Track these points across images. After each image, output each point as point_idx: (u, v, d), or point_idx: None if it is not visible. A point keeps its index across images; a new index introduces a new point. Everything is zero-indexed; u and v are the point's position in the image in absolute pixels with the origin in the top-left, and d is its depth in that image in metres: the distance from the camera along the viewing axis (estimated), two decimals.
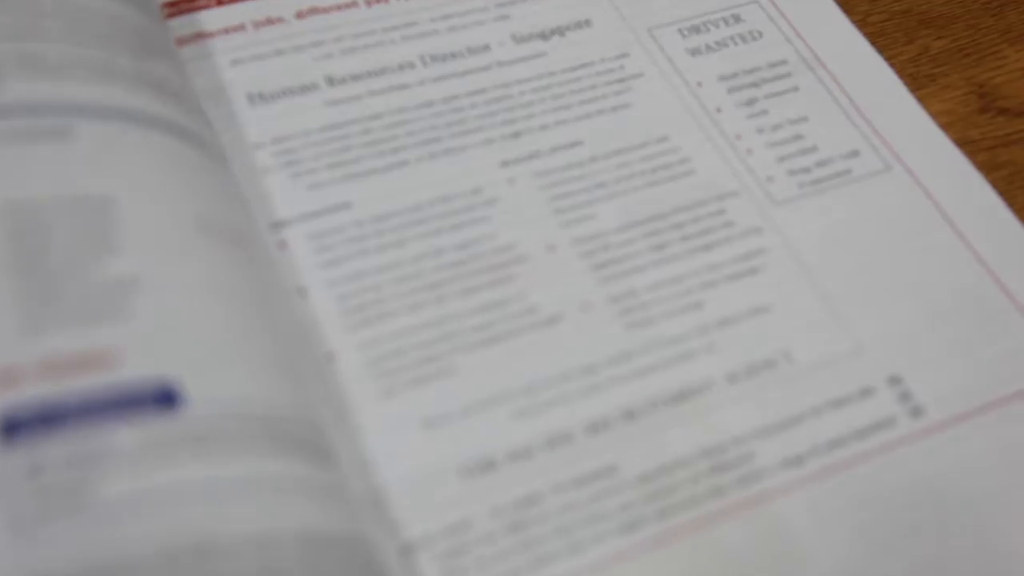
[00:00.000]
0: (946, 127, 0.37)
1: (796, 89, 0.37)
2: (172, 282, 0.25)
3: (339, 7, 0.38)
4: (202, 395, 0.24)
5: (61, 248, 0.24)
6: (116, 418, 0.23)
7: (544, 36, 0.38)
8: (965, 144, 0.37)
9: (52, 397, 0.22)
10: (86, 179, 0.25)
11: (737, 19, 0.39)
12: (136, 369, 0.23)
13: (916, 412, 0.31)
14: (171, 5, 0.37)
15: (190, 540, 0.22)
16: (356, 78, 0.36)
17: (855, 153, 0.36)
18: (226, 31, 0.36)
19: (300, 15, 0.37)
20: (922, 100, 0.38)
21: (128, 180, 0.26)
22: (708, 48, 0.38)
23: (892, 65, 0.39)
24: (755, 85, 0.37)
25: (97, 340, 0.23)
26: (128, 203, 0.26)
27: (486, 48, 0.37)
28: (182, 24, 0.36)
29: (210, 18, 0.37)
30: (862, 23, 0.40)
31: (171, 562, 0.22)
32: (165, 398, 0.23)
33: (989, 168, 0.37)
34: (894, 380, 0.31)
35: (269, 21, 0.37)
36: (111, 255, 0.25)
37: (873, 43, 0.39)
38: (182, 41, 0.36)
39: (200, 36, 0.36)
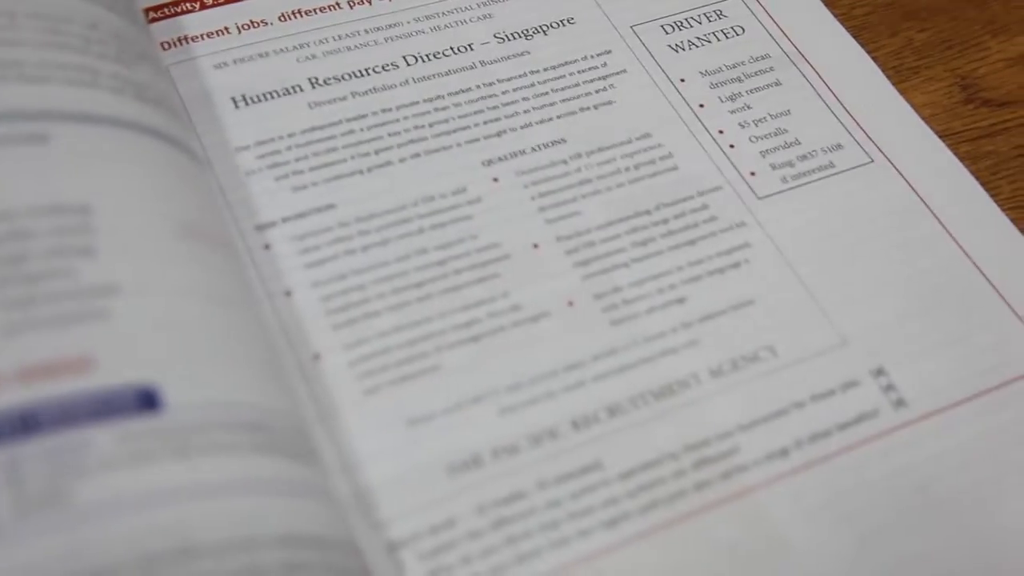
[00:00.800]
0: (929, 119, 0.37)
1: (779, 84, 0.37)
2: (151, 286, 0.25)
3: (322, 9, 0.38)
4: (182, 398, 0.24)
5: (38, 254, 0.24)
6: (95, 422, 0.23)
7: (527, 34, 0.38)
8: (948, 136, 0.37)
9: (31, 401, 0.22)
10: (63, 185, 0.25)
11: (719, 14, 0.39)
12: (115, 373, 0.23)
13: (899, 404, 0.31)
14: (154, 9, 0.37)
15: (171, 542, 0.22)
16: (339, 79, 0.36)
17: (838, 146, 0.36)
18: (209, 34, 0.36)
19: (283, 17, 0.37)
20: (905, 92, 0.38)
21: (107, 185, 0.26)
22: (690, 44, 0.38)
23: (875, 58, 0.39)
24: (738, 80, 0.37)
25: (75, 345, 0.23)
26: (106, 208, 0.26)
27: (469, 47, 0.37)
28: (165, 28, 0.36)
29: (193, 21, 0.37)
30: (846, 17, 0.40)
31: (152, 564, 0.22)
32: (145, 401, 0.23)
33: (972, 159, 0.37)
34: (878, 372, 0.31)
35: (252, 24, 0.37)
36: (89, 261, 0.25)
37: (856, 36, 0.39)
38: (166, 45, 0.36)
39: (183, 39, 0.36)
